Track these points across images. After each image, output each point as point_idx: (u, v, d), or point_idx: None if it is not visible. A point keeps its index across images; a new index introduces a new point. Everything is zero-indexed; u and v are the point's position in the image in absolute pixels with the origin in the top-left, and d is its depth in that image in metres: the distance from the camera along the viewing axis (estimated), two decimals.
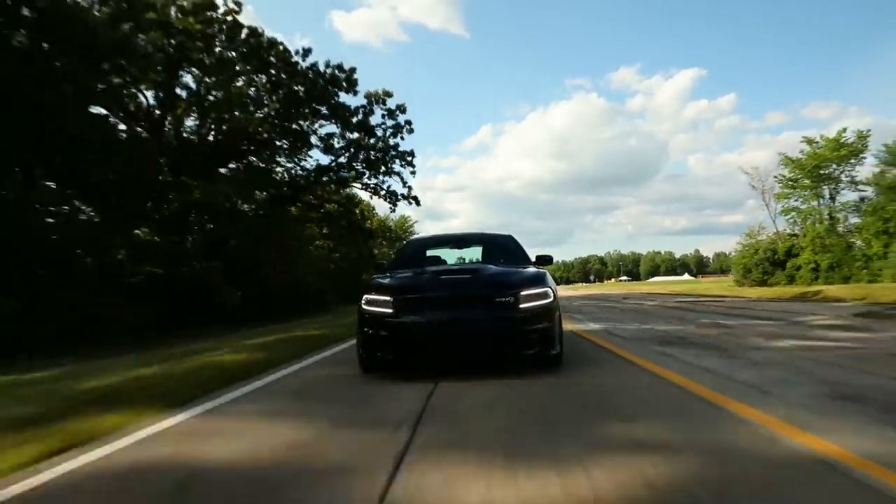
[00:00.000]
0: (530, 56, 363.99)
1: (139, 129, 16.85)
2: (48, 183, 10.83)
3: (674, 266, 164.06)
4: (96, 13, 12.98)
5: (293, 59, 19.20)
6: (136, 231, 14.98)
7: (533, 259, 5.18)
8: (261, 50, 18.82)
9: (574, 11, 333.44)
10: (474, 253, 6.42)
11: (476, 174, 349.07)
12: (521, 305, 3.76)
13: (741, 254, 36.45)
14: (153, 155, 15.05)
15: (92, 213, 12.26)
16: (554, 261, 5.51)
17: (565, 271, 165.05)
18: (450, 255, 6.25)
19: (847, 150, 28.81)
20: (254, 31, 18.74)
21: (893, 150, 26.95)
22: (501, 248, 5.60)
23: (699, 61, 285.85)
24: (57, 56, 10.65)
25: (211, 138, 19.43)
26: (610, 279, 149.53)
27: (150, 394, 3.76)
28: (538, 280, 4.03)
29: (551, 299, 3.90)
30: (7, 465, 2.29)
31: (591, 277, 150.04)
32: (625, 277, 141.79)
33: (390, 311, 3.81)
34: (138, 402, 3.46)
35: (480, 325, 3.75)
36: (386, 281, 4.26)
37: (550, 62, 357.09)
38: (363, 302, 4.02)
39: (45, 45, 10.33)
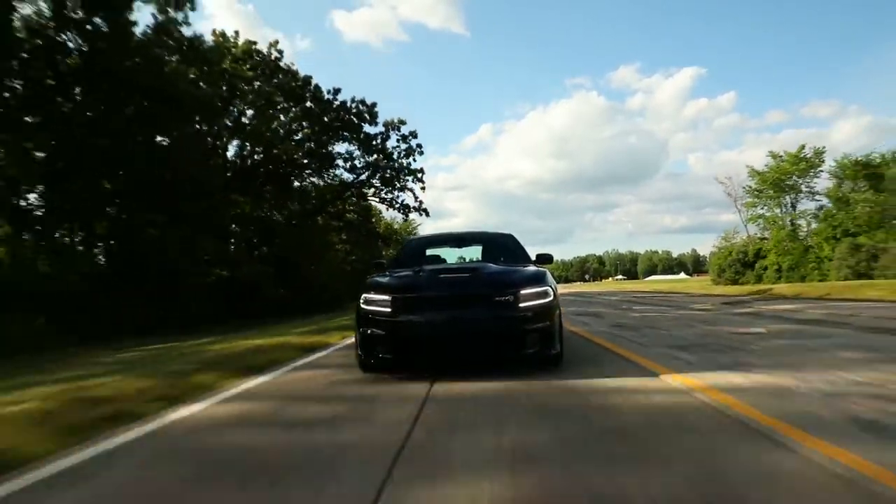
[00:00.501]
0: (530, 55, 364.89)
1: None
2: (159, 216, 14.53)
3: (671, 265, 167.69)
4: (180, 71, 16.75)
5: (325, 97, 23.01)
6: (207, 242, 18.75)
7: (533, 258, 5.16)
8: (297, 88, 22.61)
9: (574, 10, 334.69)
10: (474, 252, 6.34)
11: (476, 173, 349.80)
12: (521, 304, 3.74)
13: (717, 255, 40.23)
14: (220, 180, 18.82)
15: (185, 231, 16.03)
16: (554, 260, 5.49)
17: (564, 270, 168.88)
18: (450, 255, 6.24)
19: (806, 164, 32.55)
20: (292, 73, 22.53)
21: (843, 164, 30.71)
22: (501, 246, 5.61)
23: (699, 60, 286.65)
24: (171, 118, 14.47)
25: (250, 163, 23.21)
26: (607, 278, 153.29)
27: (267, 357, 5.36)
28: (538, 279, 4.00)
29: (551, 298, 3.88)
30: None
31: (587, 277, 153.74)
32: (620, 276, 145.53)
33: (389, 310, 3.80)
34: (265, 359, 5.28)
35: (480, 325, 3.74)
36: (385, 280, 4.24)
37: (550, 61, 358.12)
38: (361, 301, 4.00)
39: (161, 107, 14.10)
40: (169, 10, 16.69)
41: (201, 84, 18.62)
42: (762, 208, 35.17)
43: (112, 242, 14.52)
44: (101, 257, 14.65)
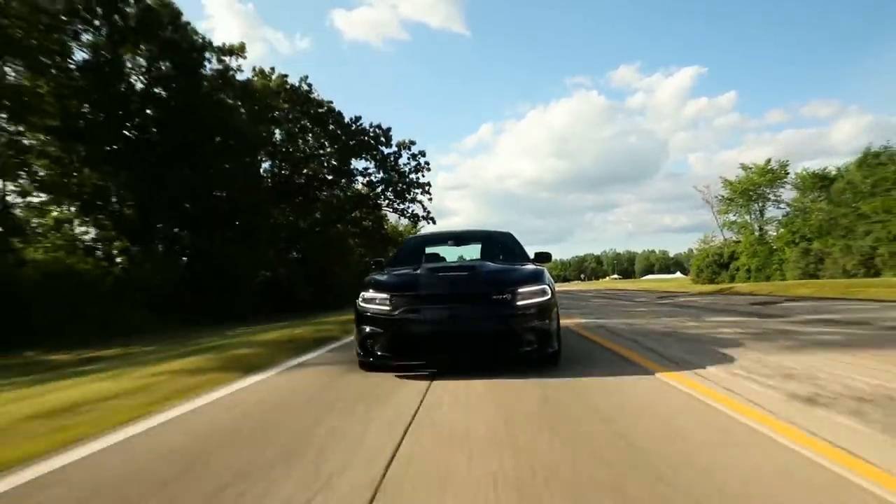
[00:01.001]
0: (530, 54, 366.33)
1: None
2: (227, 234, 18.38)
3: (667, 264, 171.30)
4: (235, 109, 20.59)
5: (347, 122, 26.88)
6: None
7: (532, 256, 5.18)
8: (323, 115, 26.46)
9: (574, 10, 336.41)
10: (473, 250, 6.33)
11: (476, 172, 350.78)
12: (519, 303, 3.75)
13: (696, 257, 44.09)
14: (264, 196, 22.67)
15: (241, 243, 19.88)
16: (553, 259, 5.45)
17: (563, 270, 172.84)
18: (448, 253, 6.30)
19: (772, 176, 36.38)
20: (319, 102, 26.38)
21: (803, 176, 34.53)
22: (500, 245, 5.67)
23: (699, 59, 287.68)
24: (234, 151, 18.35)
25: (283, 179, 27.03)
26: (604, 277, 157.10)
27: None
28: (536, 277, 4.00)
29: (549, 297, 3.87)
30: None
31: (582, 276, 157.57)
32: (615, 276, 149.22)
33: (387, 308, 3.81)
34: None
35: (477, 323, 3.75)
36: (383, 278, 4.23)
37: (551, 60, 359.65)
38: (360, 300, 3.99)
39: (231, 143, 17.95)
40: (225, 59, 20.60)
41: (244, 115, 22.46)
42: (734, 215, 38.99)
43: (189, 251, 18.35)
44: (184, 258, 18.46)
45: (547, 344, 3.81)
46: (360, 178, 28.72)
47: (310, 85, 25.84)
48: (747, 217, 38.22)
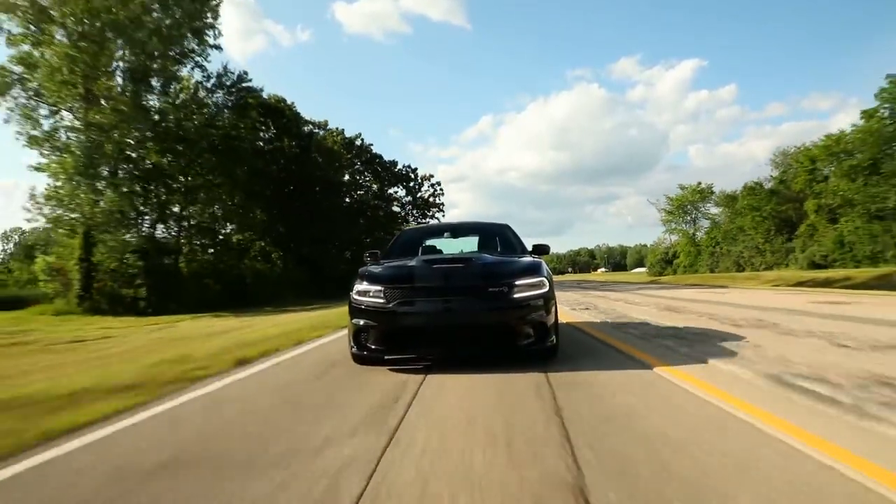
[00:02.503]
0: (531, 47, 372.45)
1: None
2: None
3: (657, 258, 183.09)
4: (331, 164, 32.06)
5: (387, 163, 38.46)
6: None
7: (530, 248, 5.04)
8: (370, 159, 37.99)
9: (575, 2, 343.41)
10: (470, 242, 6.23)
11: (476, 165, 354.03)
12: (516, 295, 3.69)
13: (649, 255, 55.90)
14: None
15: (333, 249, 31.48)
16: (551, 251, 5.28)
17: (557, 263, 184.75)
18: (445, 245, 6.11)
19: (700, 195, 47.98)
20: (367, 149, 37.84)
21: (721, 195, 46.11)
22: (497, 237, 5.57)
23: (700, 52, 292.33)
24: (330, 192, 29.92)
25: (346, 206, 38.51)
26: (596, 270, 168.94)
27: None
28: (533, 269, 3.92)
29: (546, 289, 3.80)
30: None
31: (569, 269, 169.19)
32: (602, 269, 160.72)
33: (381, 301, 3.73)
34: None
35: (473, 316, 3.67)
36: (377, 270, 4.13)
37: (551, 53, 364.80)
38: (354, 292, 3.91)
39: (327, 188, 29.51)
40: (312, 129, 32.10)
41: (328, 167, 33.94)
42: (674, 224, 50.73)
43: (307, 257, 29.92)
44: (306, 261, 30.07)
45: (545, 337, 3.71)
46: (396, 205, 40.29)
47: (363, 139, 37.37)
48: (683, 225, 49.87)
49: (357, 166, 37.57)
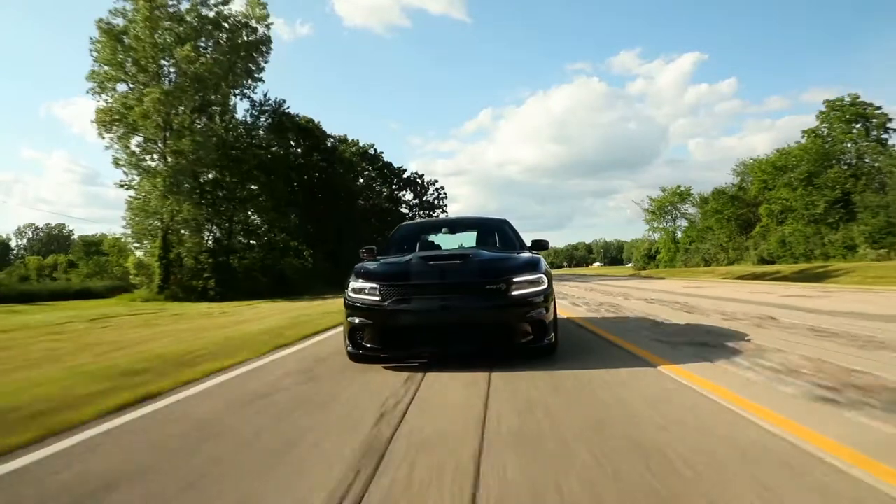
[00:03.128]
0: (531, 40, 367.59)
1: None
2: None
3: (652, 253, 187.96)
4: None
5: (396, 169, 43.32)
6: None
7: (529, 244, 4.97)
8: (383, 167, 42.81)
9: None
10: (468, 238, 6.06)
11: (476, 158, 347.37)
12: (514, 293, 3.63)
13: (635, 251, 60.84)
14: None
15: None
16: (551, 246, 5.30)
17: (555, 257, 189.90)
18: (443, 240, 6.13)
19: (679, 197, 52.81)
20: (380, 157, 42.64)
21: (698, 197, 50.95)
22: (496, 232, 5.51)
23: (700, 45, 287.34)
24: (349, 200, 34.78)
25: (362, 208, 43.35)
26: (592, 264, 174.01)
27: None
28: (532, 266, 3.88)
29: (545, 286, 3.75)
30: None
31: (564, 263, 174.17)
32: (598, 263, 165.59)
33: (377, 298, 3.68)
34: None
35: (470, 314, 3.62)
36: (372, 267, 4.07)
37: (551, 46, 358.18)
38: (349, 289, 3.87)
39: (348, 196, 34.37)
40: (333, 142, 36.83)
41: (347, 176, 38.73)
42: (656, 223, 55.64)
43: (333, 252, 34.79)
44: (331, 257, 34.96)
45: (543, 335, 3.67)
46: (404, 207, 45.16)
47: (375, 147, 42.16)
48: (664, 224, 54.78)
49: (369, 172, 42.38)
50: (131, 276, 24.99)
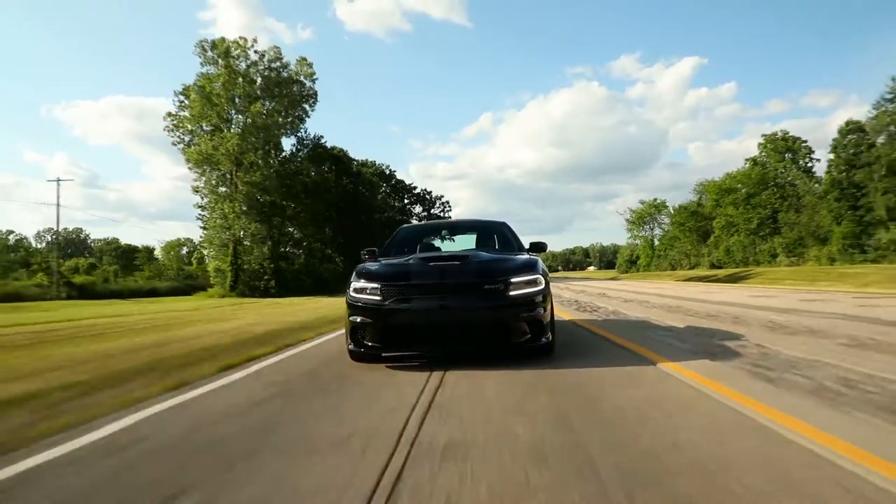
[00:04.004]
0: (531, 44, 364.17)
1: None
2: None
3: None
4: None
5: (407, 185, 50.37)
6: None
7: (527, 246, 5.05)
8: (396, 183, 49.82)
9: (576, 0, 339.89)
10: (467, 240, 6.18)
11: (476, 162, 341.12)
12: (511, 293, 3.71)
13: (620, 256, 67.80)
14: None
15: None
16: (548, 248, 5.37)
17: (552, 261, 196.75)
18: (442, 243, 6.21)
19: (656, 209, 59.82)
20: (394, 175, 49.64)
21: (672, 210, 57.88)
22: (495, 235, 5.60)
23: (700, 50, 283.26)
24: (372, 215, 41.71)
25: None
26: (586, 268, 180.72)
27: None
28: (529, 267, 3.95)
29: (542, 286, 3.83)
30: None
31: (559, 268, 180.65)
32: (592, 267, 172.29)
33: (378, 298, 3.76)
34: None
35: (469, 314, 3.70)
36: (374, 268, 4.15)
37: (551, 50, 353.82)
38: (350, 289, 3.95)
39: (370, 212, 41.31)
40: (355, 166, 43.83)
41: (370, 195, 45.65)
42: (636, 232, 62.67)
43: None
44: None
45: (540, 334, 3.76)
46: (415, 219, 52.16)
47: (389, 167, 49.20)
48: (643, 233, 61.85)
49: (385, 189, 49.39)
50: (210, 278, 31.88)
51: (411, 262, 4.19)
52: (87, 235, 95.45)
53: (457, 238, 6.48)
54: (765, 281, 24.35)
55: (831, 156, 29.98)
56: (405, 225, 6.46)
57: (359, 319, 3.80)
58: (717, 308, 8.92)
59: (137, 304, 24.81)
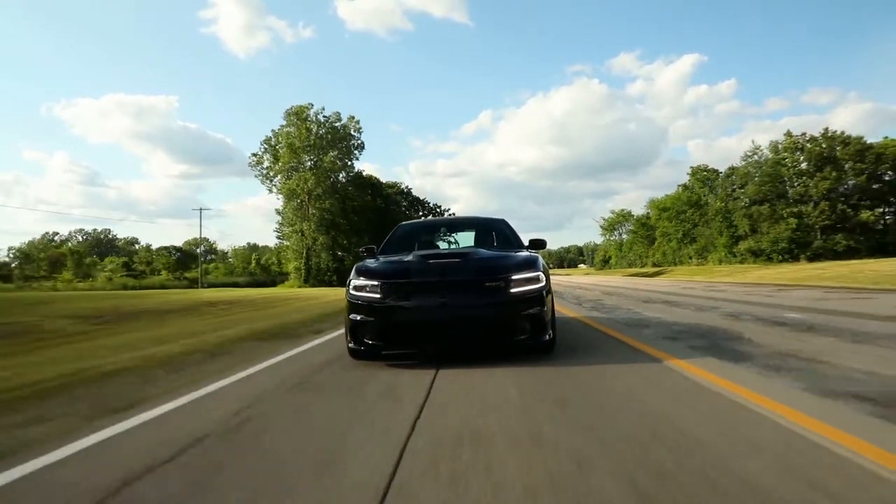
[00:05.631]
0: (531, 43, 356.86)
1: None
2: None
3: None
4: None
5: (421, 200, 63.68)
6: None
7: (526, 243, 4.99)
8: (410, 196, 63.00)
9: None
10: (467, 237, 6.13)
11: (476, 160, 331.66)
12: (512, 290, 3.70)
13: (596, 256, 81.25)
14: None
15: None
16: (548, 246, 5.25)
17: (547, 259, 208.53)
18: (442, 240, 6.21)
19: (623, 217, 73.10)
20: (410, 192, 62.80)
21: (634, 218, 71.15)
22: (494, 232, 5.56)
23: (700, 47, 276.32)
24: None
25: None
26: (578, 266, 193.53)
27: None
28: (529, 264, 3.94)
29: (543, 284, 3.82)
30: None
31: (551, 265, 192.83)
32: (582, 265, 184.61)
33: (377, 296, 3.73)
34: None
35: (470, 311, 3.67)
36: (374, 265, 4.13)
37: (551, 49, 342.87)
38: (350, 287, 3.92)
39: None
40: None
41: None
42: (608, 236, 76.05)
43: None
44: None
45: (541, 332, 3.73)
46: None
47: (409, 188, 62.36)
48: (614, 237, 75.26)
49: (405, 203, 62.55)
50: (291, 275, 45.09)
51: (411, 259, 4.15)
52: (115, 235, 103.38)
53: (455, 235, 6.55)
54: (673, 275, 37.68)
55: (719, 191, 43.53)
56: (404, 222, 6.28)
57: (359, 317, 3.77)
58: (621, 289, 22.03)
59: (245, 290, 37.95)
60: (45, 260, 57.63)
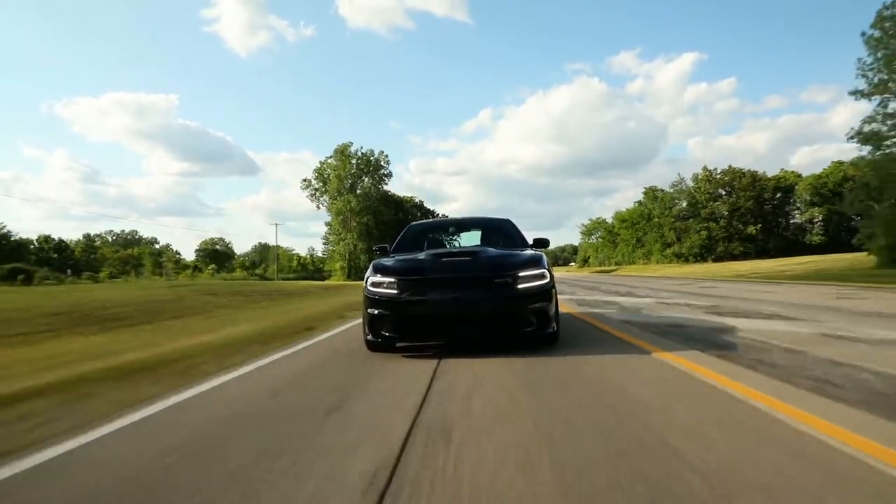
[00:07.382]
0: (532, 41, 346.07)
1: None
2: None
3: None
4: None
5: (429, 209, 78.43)
6: None
7: (530, 242, 5.27)
8: (425, 210, 77.80)
9: None
10: (473, 237, 6.41)
11: (476, 158, 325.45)
12: (519, 286, 3.95)
13: (578, 255, 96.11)
14: None
15: None
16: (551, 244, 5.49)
17: (547, 256, 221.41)
18: (450, 239, 6.48)
19: (599, 223, 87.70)
20: (421, 204, 77.47)
21: (614, 223, 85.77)
22: (500, 231, 5.82)
23: (700, 45, 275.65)
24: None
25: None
26: (567, 264, 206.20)
27: None
28: (535, 262, 4.19)
29: (547, 280, 4.07)
30: None
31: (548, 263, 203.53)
32: (573, 264, 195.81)
33: (394, 291, 3.98)
34: None
35: (480, 305, 3.93)
36: (390, 263, 4.38)
37: (551, 47, 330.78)
38: (368, 283, 4.16)
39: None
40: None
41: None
42: (587, 239, 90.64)
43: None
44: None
45: (546, 325, 4.00)
46: None
47: (421, 201, 76.97)
48: (591, 240, 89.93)
49: (419, 214, 77.04)
50: (336, 272, 59.76)
51: (425, 257, 4.44)
52: (141, 237, 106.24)
53: (463, 235, 6.90)
54: (621, 272, 52.28)
55: (656, 209, 58.50)
56: (414, 223, 6.64)
57: (376, 311, 4.01)
58: (583, 281, 36.91)
59: (313, 282, 52.47)
60: (117, 260, 71.02)
